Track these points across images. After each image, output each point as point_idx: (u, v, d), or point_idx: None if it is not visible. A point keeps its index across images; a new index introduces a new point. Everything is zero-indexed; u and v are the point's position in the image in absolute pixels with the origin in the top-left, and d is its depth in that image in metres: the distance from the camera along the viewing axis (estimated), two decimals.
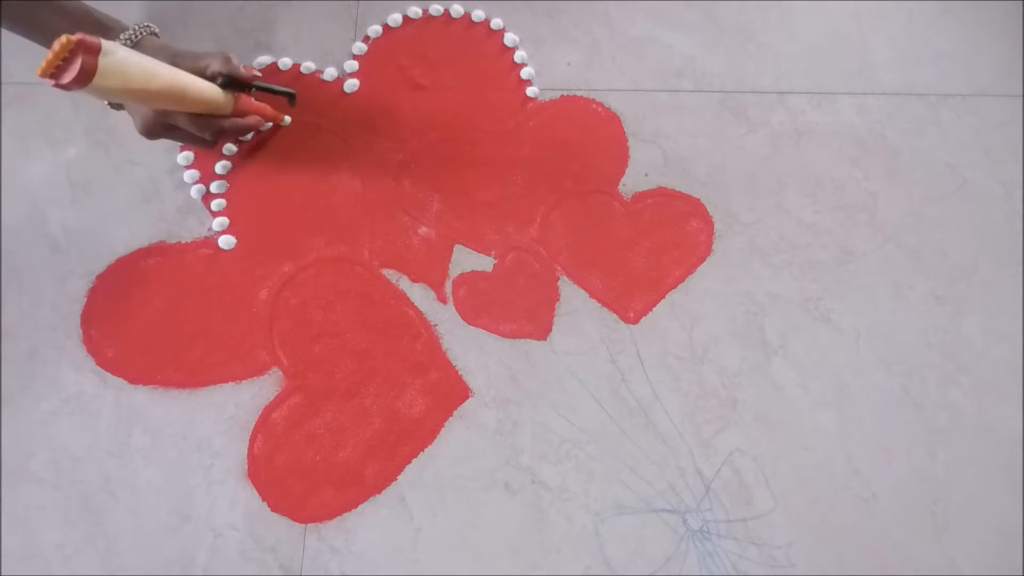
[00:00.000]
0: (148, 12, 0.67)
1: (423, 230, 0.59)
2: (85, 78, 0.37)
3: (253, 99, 0.56)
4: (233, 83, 0.52)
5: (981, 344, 0.55)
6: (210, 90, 0.50)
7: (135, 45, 0.50)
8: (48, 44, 0.46)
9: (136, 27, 0.51)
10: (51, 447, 0.52)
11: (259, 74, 0.54)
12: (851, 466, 0.52)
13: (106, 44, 0.39)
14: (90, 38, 0.38)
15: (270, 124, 0.61)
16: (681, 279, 0.57)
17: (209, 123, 0.51)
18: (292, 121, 0.62)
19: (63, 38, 0.37)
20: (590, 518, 0.50)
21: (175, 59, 0.50)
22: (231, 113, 0.53)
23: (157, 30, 0.53)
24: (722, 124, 0.63)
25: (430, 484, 0.51)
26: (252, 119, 0.55)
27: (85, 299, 0.56)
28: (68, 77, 0.37)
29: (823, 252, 0.58)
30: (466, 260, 0.58)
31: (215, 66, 0.51)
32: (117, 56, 0.40)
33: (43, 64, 0.37)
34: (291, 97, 0.56)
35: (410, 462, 0.52)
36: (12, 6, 0.46)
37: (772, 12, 0.68)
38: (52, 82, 0.37)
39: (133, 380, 0.53)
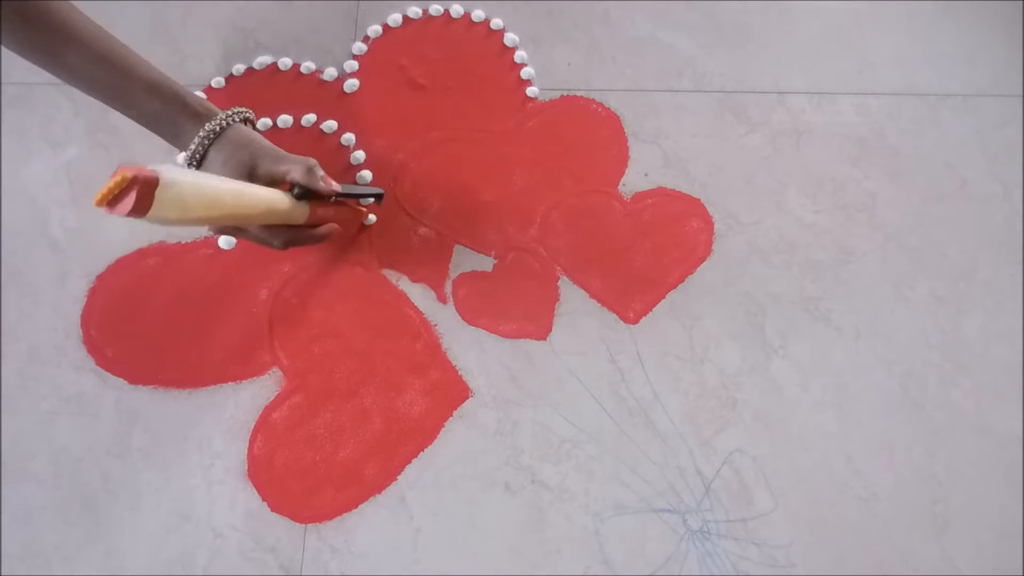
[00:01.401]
0: (149, 12, 0.67)
1: (423, 230, 0.59)
2: (139, 212, 0.36)
3: (332, 207, 0.52)
4: (310, 194, 0.49)
5: (981, 344, 0.55)
6: (281, 204, 0.47)
7: (221, 132, 0.47)
8: (139, 120, 0.47)
9: (226, 116, 0.48)
10: (51, 447, 0.52)
11: (338, 189, 0.50)
12: (851, 466, 0.52)
13: (165, 176, 0.37)
14: (147, 173, 0.36)
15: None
16: (681, 279, 0.57)
17: (279, 233, 0.49)
18: (292, 125, 0.62)
19: (119, 173, 0.35)
20: (590, 518, 0.50)
21: (255, 158, 0.47)
22: (306, 223, 0.50)
23: (251, 115, 0.51)
24: (722, 124, 0.63)
25: (430, 484, 0.51)
26: (326, 229, 0.51)
27: (85, 299, 0.56)
28: (123, 210, 0.35)
29: (823, 252, 0.58)
30: (466, 260, 0.58)
31: (294, 175, 0.47)
32: (175, 189, 0.37)
33: (98, 194, 0.35)
34: (378, 197, 0.54)
35: (410, 462, 0.51)
36: (106, 80, 0.46)
37: (772, 12, 0.68)
38: (107, 210, 0.36)
39: (133, 380, 0.53)
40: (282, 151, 0.49)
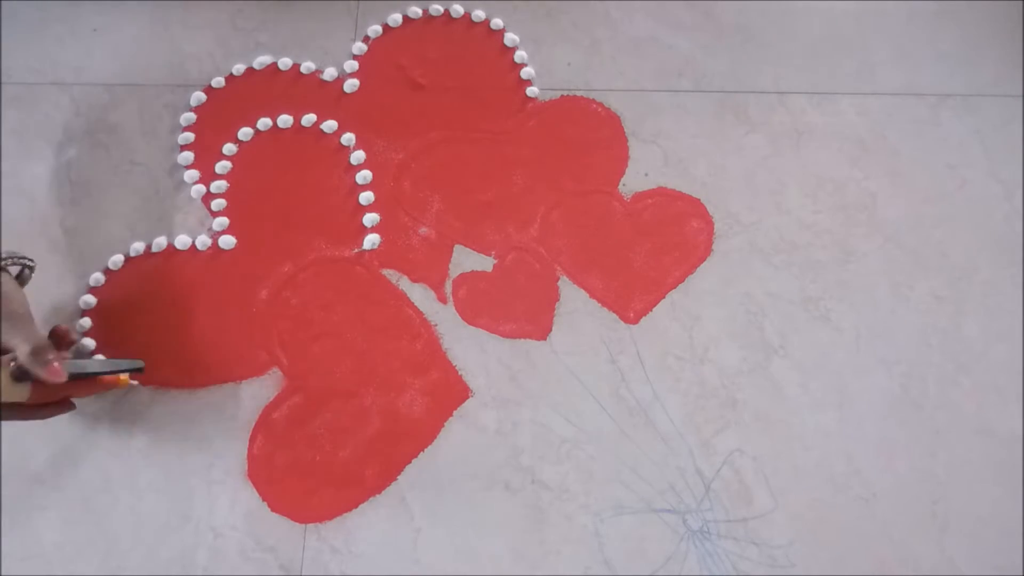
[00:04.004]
0: (150, 12, 0.67)
1: (423, 230, 0.59)
2: None
3: (66, 383, 0.44)
4: (30, 375, 0.42)
5: (981, 344, 0.55)
6: None
7: None
8: None
9: None
10: (51, 447, 0.52)
11: (63, 379, 0.43)
12: (851, 466, 0.52)
13: None
14: None
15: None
16: (681, 279, 0.57)
17: None
18: (292, 126, 0.62)
19: None
20: (590, 518, 0.50)
21: None
22: (28, 401, 0.44)
23: (30, 263, 0.47)
24: (722, 124, 0.63)
25: (430, 484, 0.51)
26: (56, 409, 0.46)
27: (86, 299, 0.56)
28: None
29: (823, 252, 0.58)
30: (466, 260, 0.58)
31: (19, 354, 0.42)
32: None
33: None
34: (137, 370, 0.48)
35: (410, 462, 0.51)
36: None
37: (772, 12, 0.68)
38: None
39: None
40: (21, 321, 0.43)
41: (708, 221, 0.59)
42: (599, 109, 0.64)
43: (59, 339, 0.46)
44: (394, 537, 0.49)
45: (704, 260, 0.58)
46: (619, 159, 0.62)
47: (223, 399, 0.53)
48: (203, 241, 0.57)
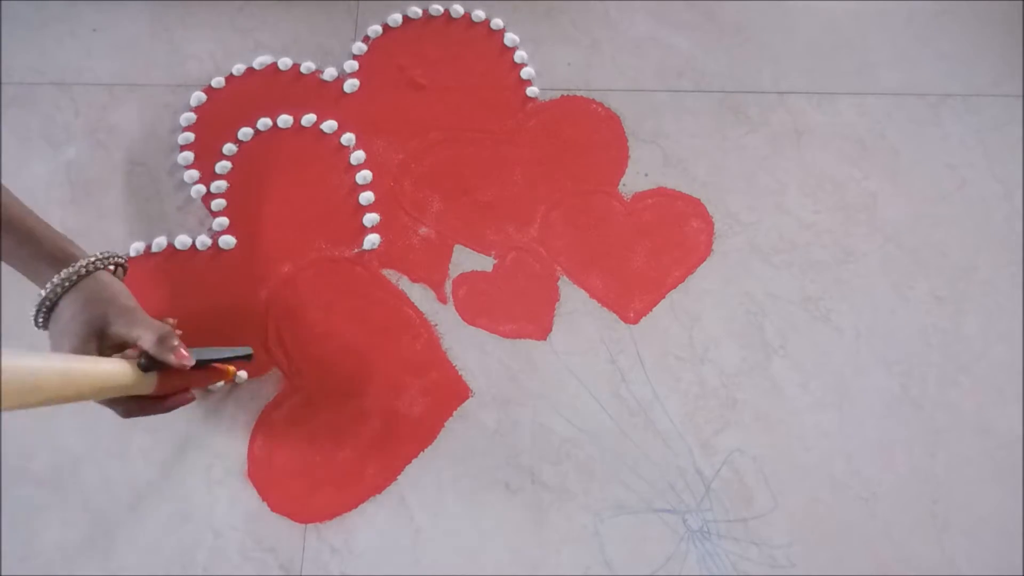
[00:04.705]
0: (150, 12, 0.67)
1: (423, 230, 0.59)
2: None
3: (187, 373, 0.45)
4: (160, 364, 0.43)
5: (981, 344, 0.55)
6: (119, 378, 0.41)
7: (78, 281, 0.43)
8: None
9: (86, 263, 0.43)
10: (51, 447, 0.52)
11: (190, 363, 0.43)
12: (851, 466, 0.52)
13: None
14: None
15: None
16: (681, 279, 0.57)
17: (120, 403, 0.44)
18: (292, 125, 0.62)
19: None
20: (590, 518, 0.50)
21: (106, 319, 0.42)
22: (153, 392, 0.44)
23: (122, 260, 0.46)
24: (722, 124, 0.63)
25: (430, 484, 0.51)
26: (178, 400, 0.46)
27: None
28: None
29: (823, 252, 0.58)
30: (466, 260, 0.58)
31: (145, 343, 0.42)
32: None
33: None
34: (247, 357, 0.48)
35: (410, 462, 0.52)
36: None
37: (772, 12, 0.68)
38: None
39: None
40: (138, 313, 0.44)
41: (708, 221, 0.59)
42: (599, 109, 0.64)
43: None
44: (394, 537, 0.49)
45: (704, 260, 0.58)
46: (619, 159, 0.62)
47: (223, 399, 0.53)
48: (203, 241, 0.57)
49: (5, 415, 0.52)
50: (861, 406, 0.53)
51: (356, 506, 0.50)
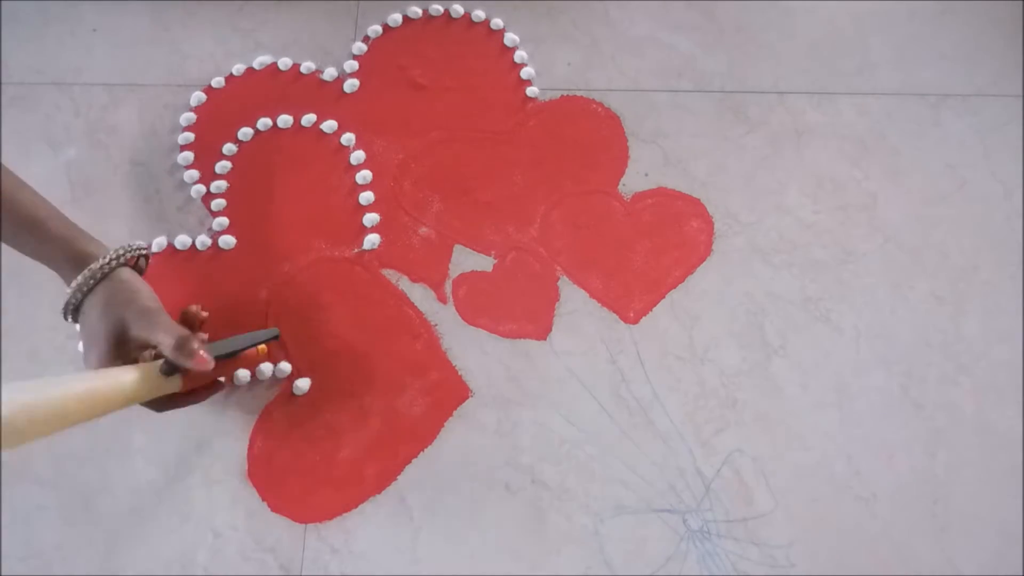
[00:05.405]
0: (150, 12, 0.67)
1: (423, 230, 0.59)
2: None
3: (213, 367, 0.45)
4: (177, 367, 0.42)
5: (981, 344, 0.55)
6: (145, 384, 0.41)
7: (100, 281, 0.43)
8: (26, 254, 0.44)
9: (105, 262, 0.43)
10: (51, 447, 0.52)
11: (210, 366, 0.42)
12: (851, 466, 0.52)
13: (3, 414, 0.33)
14: None
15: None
16: (681, 279, 0.57)
17: (152, 403, 0.44)
18: (292, 126, 0.62)
19: None
20: (590, 518, 0.50)
21: (126, 322, 0.42)
22: (183, 389, 0.44)
23: (144, 251, 0.46)
24: (722, 124, 0.63)
25: (430, 484, 0.51)
26: (208, 392, 0.46)
27: None
28: None
29: (823, 252, 0.58)
30: (466, 260, 0.58)
31: (163, 349, 0.41)
32: (14, 425, 0.34)
33: None
34: (275, 338, 0.48)
35: (410, 462, 0.51)
36: None
37: (772, 12, 0.68)
38: None
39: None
40: (156, 316, 0.43)
41: (708, 221, 0.59)
42: (599, 109, 0.64)
43: (191, 321, 0.46)
44: (394, 537, 0.49)
45: (704, 260, 0.58)
46: (619, 159, 0.62)
47: (223, 399, 0.53)
48: (203, 241, 0.57)
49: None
50: (861, 406, 0.53)
51: (356, 506, 0.50)
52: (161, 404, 0.44)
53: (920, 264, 0.58)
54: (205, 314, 0.47)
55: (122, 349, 0.42)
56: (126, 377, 0.40)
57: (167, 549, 0.49)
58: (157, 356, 0.43)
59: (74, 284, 0.42)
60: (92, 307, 0.43)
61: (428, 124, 0.63)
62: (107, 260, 0.43)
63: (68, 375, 0.39)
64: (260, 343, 0.47)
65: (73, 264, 0.43)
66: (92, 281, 0.42)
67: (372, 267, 0.57)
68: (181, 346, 0.41)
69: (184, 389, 0.44)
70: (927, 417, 0.53)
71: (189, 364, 0.41)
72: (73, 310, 0.43)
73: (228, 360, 0.45)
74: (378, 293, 0.57)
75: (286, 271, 0.57)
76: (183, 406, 0.45)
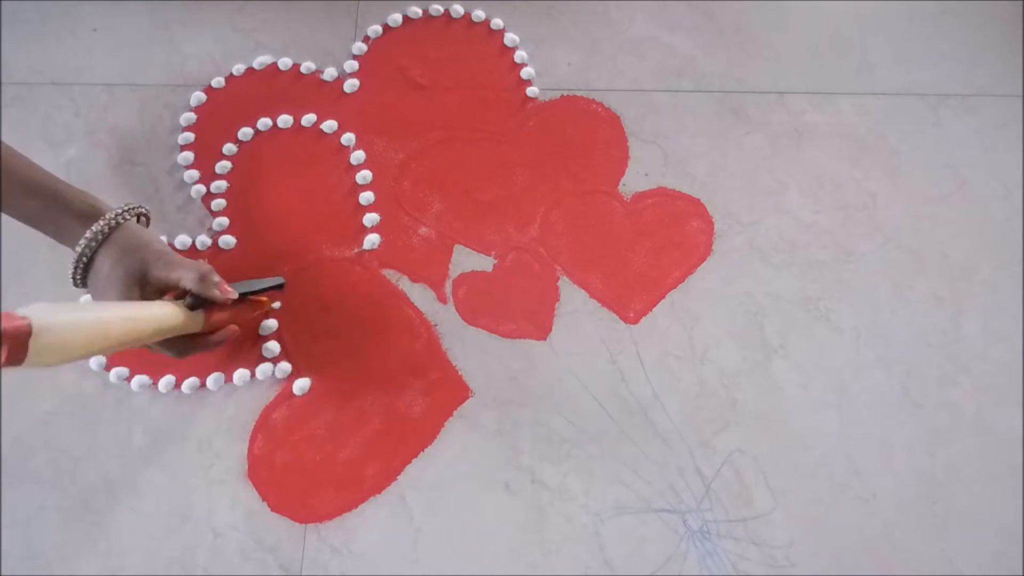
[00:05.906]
0: (149, 12, 0.67)
1: (423, 230, 0.59)
2: (14, 364, 0.33)
3: (230, 308, 0.48)
4: (205, 300, 0.45)
5: (981, 344, 0.55)
6: (172, 319, 0.43)
7: (109, 234, 0.44)
8: (21, 220, 0.44)
9: (114, 216, 0.44)
10: (51, 447, 0.52)
11: (234, 296, 0.45)
12: (851, 466, 0.52)
13: (37, 323, 0.33)
14: (17, 323, 0.32)
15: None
16: (681, 279, 0.57)
17: (173, 344, 0.46)
18: (292, 125, 0.62)
19: None
20: (590, 518, 0.50)
21: (145, 265, 0.44)
22: (203, 330, 0.46)
23: (145, 210, 0.48)
24: (722, 124, 0.63)
25: (430, 484, 0.51)
26: (224, 334, 0.48)
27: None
28: None
29: (823, 252, 0.58)
30: (466, 260, 0.58)
31: (187, 283, 0.44)
32: (50, 336, 0.34)
33: None
34: (279, 287, 0.50)
35: (410, 462, 0.51)
36: None
37: (772, 12, 0.68)
38: None
39: (132, 379, 0.53)
40: (174, 256, 0.45)
41: (708, 221, 0.59)
42: (599, 109, 0.64)
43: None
44: (394, 537, 0.49)
45: (704, 260, 0.58)
46: (619, 159, 0.62)
47: (223, 399, 0.53)
48: (203, 241, 0.57)
49: (6, 416, 0.52)
50: (861, 406, 0.53)
51: (356, 506, 0.50)
52: (184, 348, 0.46)
53: (920, 264, 0.58)
54: (204, 261, 0.48)
55: (141, 293, 0.44)
56: (156, 308, 0.42)
57: (167, 549, 0.49)
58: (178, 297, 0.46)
59: (88, 234, 0.43)
60: (106, 258, 0.44)
61: (428, 124, 0.63)
62: (117, 212, 0.45)
63: (102, 302, 0.41)
64: (269, 288, 0.50)
65: (81, 219, 0.44)
66: (107, 229, 0.44)
67: (372, 267, 0.57)
68: (204, 278, 0.44)
69: (206, 328, 0.46)
70: (927, 417, 0.53)
71: (214, 294, 0.44)
72: (84, 266, 0.44)
73: (244, 304, 0.48)
74: (378, 293, 0.57)
75: (286, 271, 0.57)
76: (202, 350, 0.47)
